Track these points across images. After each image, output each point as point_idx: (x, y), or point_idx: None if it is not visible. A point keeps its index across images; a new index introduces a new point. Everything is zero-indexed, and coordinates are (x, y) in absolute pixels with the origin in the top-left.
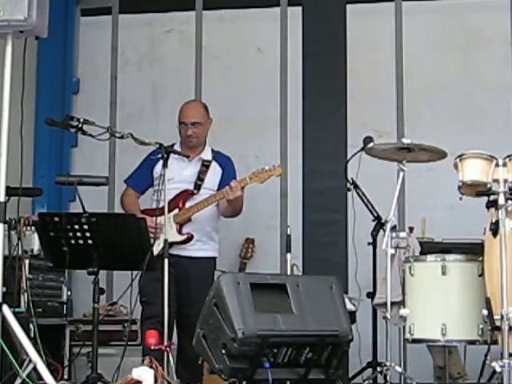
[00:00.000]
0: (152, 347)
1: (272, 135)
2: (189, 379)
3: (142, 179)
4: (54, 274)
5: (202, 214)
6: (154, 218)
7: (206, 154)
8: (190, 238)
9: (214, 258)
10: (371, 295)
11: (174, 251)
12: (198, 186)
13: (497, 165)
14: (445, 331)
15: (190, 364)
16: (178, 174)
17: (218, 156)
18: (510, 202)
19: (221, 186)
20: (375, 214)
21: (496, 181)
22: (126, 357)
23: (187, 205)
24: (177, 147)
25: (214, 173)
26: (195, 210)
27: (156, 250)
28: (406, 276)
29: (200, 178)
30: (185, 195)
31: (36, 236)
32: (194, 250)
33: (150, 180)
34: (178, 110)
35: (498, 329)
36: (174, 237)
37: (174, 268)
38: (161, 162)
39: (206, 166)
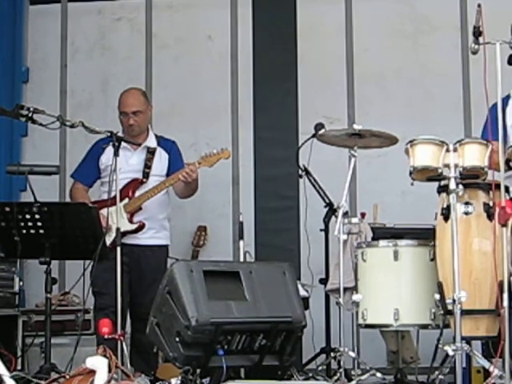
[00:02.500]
0: (105, 336)
1: (223, 122)
2: (143, 368)
3: (89, 172)
4: (5, 264)
5: (153, 203)
6: (106, 208)
7: (151, 141)
8: (141, 227)
9: (166, 246)
10: (324, 281)
11: (127, 240)
12: (146, 174)
13: (447, 150)
14: (397, 316)
15: (144, 353)
16: (124, 163)
17: (162, 141)
18: (460, 186)
19: (169, 170)
20: (327, 201)
21: (447, 166)
22: (79, 346)
23: (137, 193)
24: None
25: (161, 159)
26: (145, 198)
27: (108, 240)
28: (358, 262)
29: (147, 165)
30: (134, 184)
31: None
32: (146, 238)
33: (97, 172)
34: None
35: (450, 313)
36: (126, 226)
37: (126, 257)
38: (106, 152)
39: (151, 152)
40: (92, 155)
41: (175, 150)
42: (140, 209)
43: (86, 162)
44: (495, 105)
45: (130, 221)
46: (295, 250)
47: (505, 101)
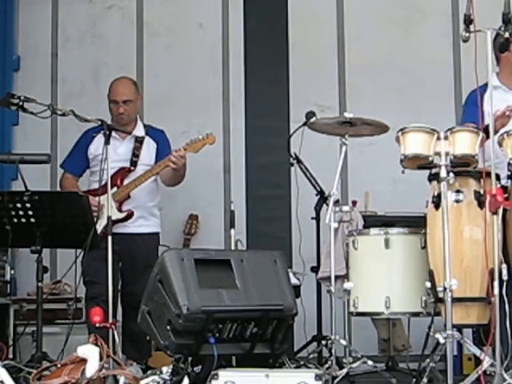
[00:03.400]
0: (97, 325)
1: (214, 110)
2: (136, 356)
3: (78, 162)
4: None
5: (141, 191)
6: (97, 197)
7: (139, 130)
8: (130, 215)
9: (157, 234)
10: (315, 269)
11: (116, 229)
12: (134, 163)
13: (438, 138)
14: (388, 304)
15: (136, 341)
16: (112, 152)
17: (150, 131)
18: (451, 174)
19: (157, 159)
20: (318, 189)
21: (438, 154)
22: (71, 335)
23: (125, 182)
24: None
25: (149, 148)
26: (133, 186)
27: (99, 229)
28: (349, 250)
29: (135, 154)
30: (122, 173)
31: None
32: (136, 226)
33: (86, 161)
34: None
35: (441, 301)
36: (115, 215)
37: (117, 245)
38: (95, 142)
39: (139, 141)
40: (81, 145)
41: (163, 139)
42: (128, 197)
43: (75, 151)
44: (474, 91)
45: (119, 209)
46: (286, 239)
47: (483, 88)
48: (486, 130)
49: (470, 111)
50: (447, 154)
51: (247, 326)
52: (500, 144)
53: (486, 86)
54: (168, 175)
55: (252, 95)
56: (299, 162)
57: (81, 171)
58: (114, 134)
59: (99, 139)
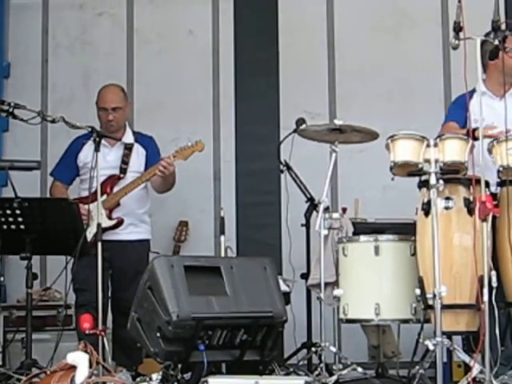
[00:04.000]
0: (86, 332)
1: (204, 117)
2: (126, 363)
3: (68, 170)
4: None
5: (131, 198)
6: (87, 205)
7: (128, 137)
8: (120, 223)
9: (147, 241)
10: (305, 276)
11: (106, 236)
12: (123, 170)
13: (428, 145)
14: (378, 311)
15: (126, 348)
16: (101, 160)
17: (139, 137)
18: (441, 181)
19: (147, 166)
20: (308, 196)
21: (427, 161)
22: (60, 342)
23: (115, 189)
24: None
25: (138, 155)
26: (123, 194)
27: (89, 236)
28: (339, 257)
29: (124, 161)
30: (112, 180)
31: None
32: (127, 233)
33: (76, 169)
34: None
35: (431, 307)
36: (105, 222)
37: (107, 252)
38: (84, 150)
39: (128, 149)
40: (70, 153)
41: (153, 145)
42: (118, 205)
43: (64, 159)
44: (463, 95)
45: (109, 217)
46: (276, 245)
47: (469, 94)
48: (473, 133)
49: (457, 113)
50: (437, 161)
51: (237, 333)
52: (490, 151)
53: (472, 91)
54: (158, 182)
55: (242, 102)
56: (289, 168)
57: (70, 179)
58: (103, 141)
59: (89, 146)
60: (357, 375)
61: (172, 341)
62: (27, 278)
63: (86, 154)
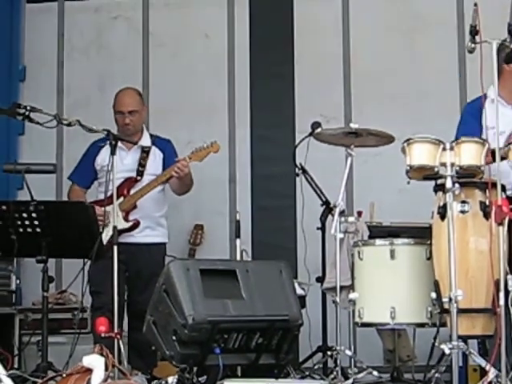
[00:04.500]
0: (102, 335)
1: (220, 121)
2: (141, 366)
3: (85, 173)
4: (2, 262)
5: (148, 201)
6: (103, 207)
7: (145, 141)
8: (136, 225)
9: (164, 244)
10: (320, 280)
11: (123, 239)
12: (140, 173)
13: (444, 149)
14: (394, 314)
15: (142, 351)
16: (119, 163)
17: (157, 141)
18: (457, 185)
19: (164, 169)
20: (324, 199)
21: (443, 164)
22: (76, 345)
23: (132, 192)
24: None
25: (156, 158)
26: (139, 196)
27: (105, 239)
28: (354, 260)
29: (141, 164)
30: (129, 183)
31: None
32: (143, 236)
33: (93, 173)
34: None
35: (447, 311)
36: (121, 224)
37: (123, 255)
38: (102, 153)
39: (146, 152)
40: (88, 156)
41: (170, 148)
42: (135, 207)
43: (82, 163)
44: (470, 103)
45: (125, 219)
46: (292, 249)
47: (478, 101)
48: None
49: (470, 126)
50: (453, 164)
51: (253, 337)
52: (506, 156)
53: (480, 98)
54: (175, 184)
55: (257, 105)
56: (305, 172)
57: (88, 183)
58: (120, 144)
59: (106, 150)
60: (372, 379)
61: (188, 344)
62: (43, 281)
63: (103, 157)
